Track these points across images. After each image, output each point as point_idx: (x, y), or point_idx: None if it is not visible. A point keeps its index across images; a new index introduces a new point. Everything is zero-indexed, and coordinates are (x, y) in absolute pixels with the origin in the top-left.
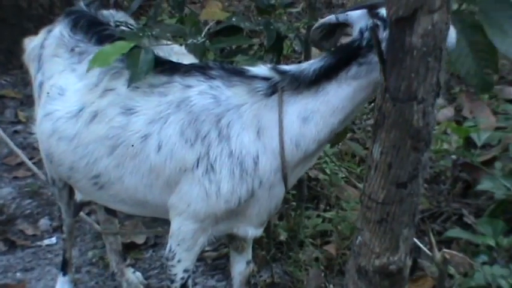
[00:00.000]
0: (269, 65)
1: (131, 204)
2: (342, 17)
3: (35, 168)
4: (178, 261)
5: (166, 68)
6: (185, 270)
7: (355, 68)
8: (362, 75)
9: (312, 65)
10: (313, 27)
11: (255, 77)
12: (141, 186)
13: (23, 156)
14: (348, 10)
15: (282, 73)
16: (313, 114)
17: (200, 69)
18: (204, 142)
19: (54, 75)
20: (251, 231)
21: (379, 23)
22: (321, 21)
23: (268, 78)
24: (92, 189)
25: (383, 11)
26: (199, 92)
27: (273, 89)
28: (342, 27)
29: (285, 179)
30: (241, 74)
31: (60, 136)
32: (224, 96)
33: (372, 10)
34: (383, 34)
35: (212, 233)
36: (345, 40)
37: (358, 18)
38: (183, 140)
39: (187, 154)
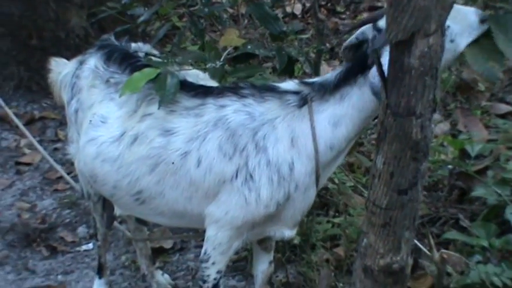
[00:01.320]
0: (296, 80)
1: (170, 216)
2: (360, 36)
3: (73, 182)
4: (213, 263)
5: (200, 91)
6: (218, 272)
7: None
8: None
9: (333, 73)
10: (342, 51)
11: (285, 92)
12: (181, 198)
13: (62, 171)
14: (359, 27)
15: (309, 85)
16: (343, 118)
17: (232, 90)
18: (242, 154)
19: (94, 105)
20: (287, 232)
21: (376, 33)
22: (345, 45)
23: (297, 91)
24: (133, 204)
25: (381, 22)
26: (234, 110)
27: (303, 101)
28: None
29: (317, 180)
30: (273, 90)
31: (104, 158)
32: (258, 112)
33: (374, 23)
34: (381, 41)
35: (248, 237)
36: None
37: (368, 31)
38: (222, 154)
39: (226, 167)
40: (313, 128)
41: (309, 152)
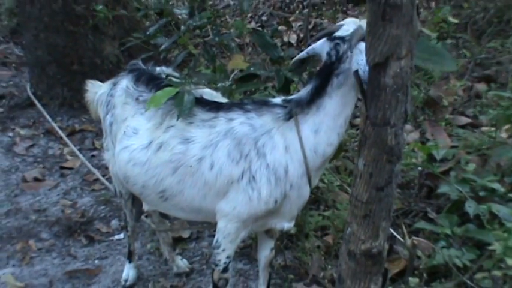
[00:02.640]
0: (281, 97)
1: (188, 211)
2: (309, 51)
3: (107, 184)
4: (223, 250)
5: (213, 106)
6: (228, 257)
7: (335, 79)
8: (342, 83)
9: (305, 89)
10: (292, 61)
11: (275, 106)
12: (197, 197)
13: (98, 174)
14: (312, 44)
15: (289, 101)
16: (321, 126)
17: (238, 105)
18: (246, 159)
19: (127, 118)
20: (286, 224)
21: (338, 41)
22: (296, 57)
23: (284, 106)
24: (158, 201)
25: (338, 33)
26: (240, 123)
27: (290, 115)
28: (310, 59)
29: (309, 180)
30: (267, 104)
31: (135, 162)
32: (258, 124)
33: (329, 36)
34: (344, 47)
35: (252, 228)
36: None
37: (321, 46)
38: (230, 160)
39: (233, 170)
40: (300, 137)
41: (299, 157)
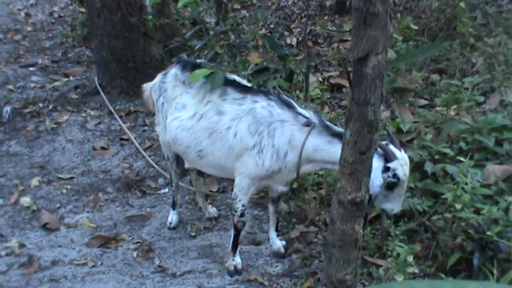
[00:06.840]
0: (313, 112)
1: (217, 168)
2: None
3: (144, 153)
4: (239, 200)
5: (243, 89)
6: (243, 205)
7: None
8: None
9: (337, 128)
10: None
11: (299, 113)
12: (223, 156)
13: (140, 149)
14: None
15: (320, 119)
16: (320, 151)
17: (264, 93)
18: (260, 135)
19: (177, 97)
20: (280, 188)
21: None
22: None
23: (307, 117)
24: (196, 159)
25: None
26: (262, 106)
27: (308, 124)
28: None
29: (298, 170)
30: (292, 107)
31: (183, 128)
32: (276, 112)
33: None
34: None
35: (259, 186)
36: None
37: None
38: (248, 132)
39: (249, 140)
40: (303, 144)
41: (296, 154)
